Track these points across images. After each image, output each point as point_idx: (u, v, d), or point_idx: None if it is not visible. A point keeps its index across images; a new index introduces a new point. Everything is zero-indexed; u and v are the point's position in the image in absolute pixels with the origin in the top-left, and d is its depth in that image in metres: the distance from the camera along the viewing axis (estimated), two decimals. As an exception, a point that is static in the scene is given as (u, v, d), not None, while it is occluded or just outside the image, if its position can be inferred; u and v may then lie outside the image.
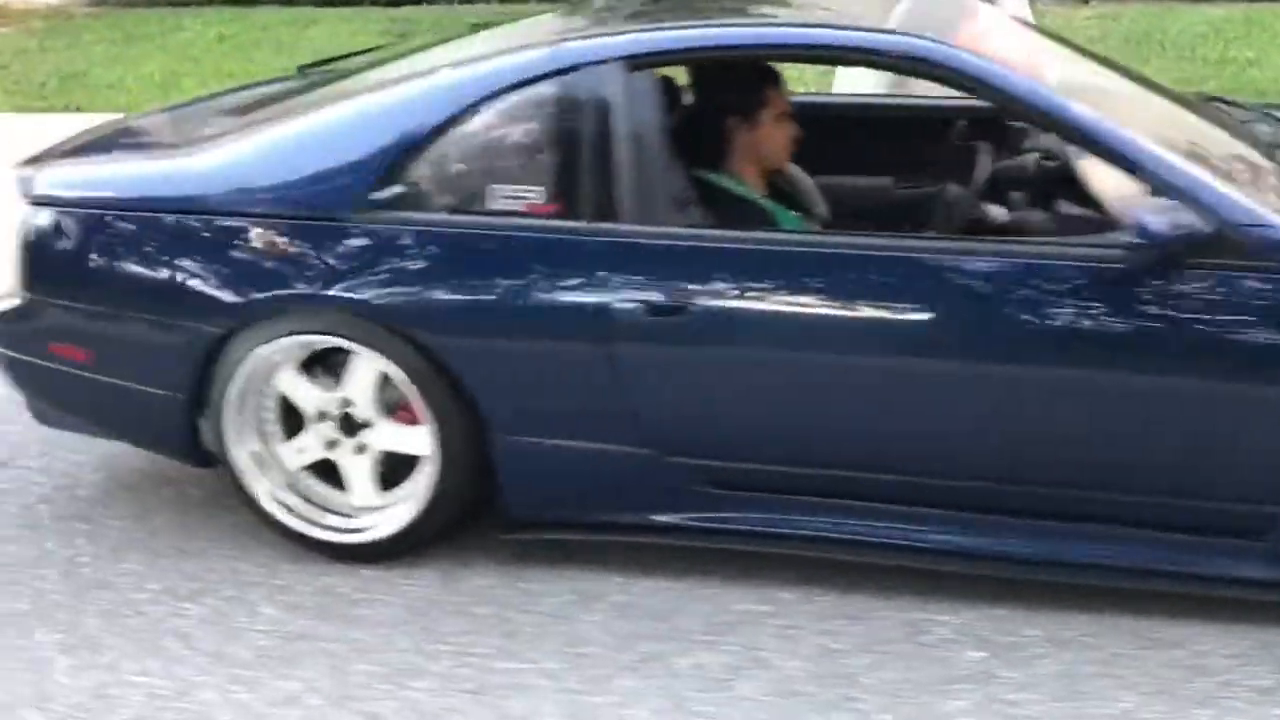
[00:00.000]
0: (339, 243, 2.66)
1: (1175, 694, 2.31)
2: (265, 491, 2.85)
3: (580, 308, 2.57)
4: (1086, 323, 2.35)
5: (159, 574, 2.86)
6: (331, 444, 2.83)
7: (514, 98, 2.64)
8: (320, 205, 2.68)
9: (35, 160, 3.00)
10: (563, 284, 2.57)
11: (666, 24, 2.70)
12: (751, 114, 2.82)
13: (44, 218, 2.87)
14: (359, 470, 2.83)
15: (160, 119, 3.38)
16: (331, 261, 2.66)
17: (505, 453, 2.69)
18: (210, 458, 2.92)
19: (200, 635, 2.63)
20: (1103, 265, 2.35)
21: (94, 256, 2.84)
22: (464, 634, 2.60)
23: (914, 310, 2.46)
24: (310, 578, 2.82)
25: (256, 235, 2.69)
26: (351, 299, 2.65)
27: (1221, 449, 2.39)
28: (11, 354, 3.00)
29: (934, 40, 2.50)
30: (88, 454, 3.40)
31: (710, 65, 2.83)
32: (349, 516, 2.86)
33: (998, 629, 2.51)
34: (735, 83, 2.82)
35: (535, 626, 2.61)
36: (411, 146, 2.64)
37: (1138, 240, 2.28)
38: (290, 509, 2.85)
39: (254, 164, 2.77)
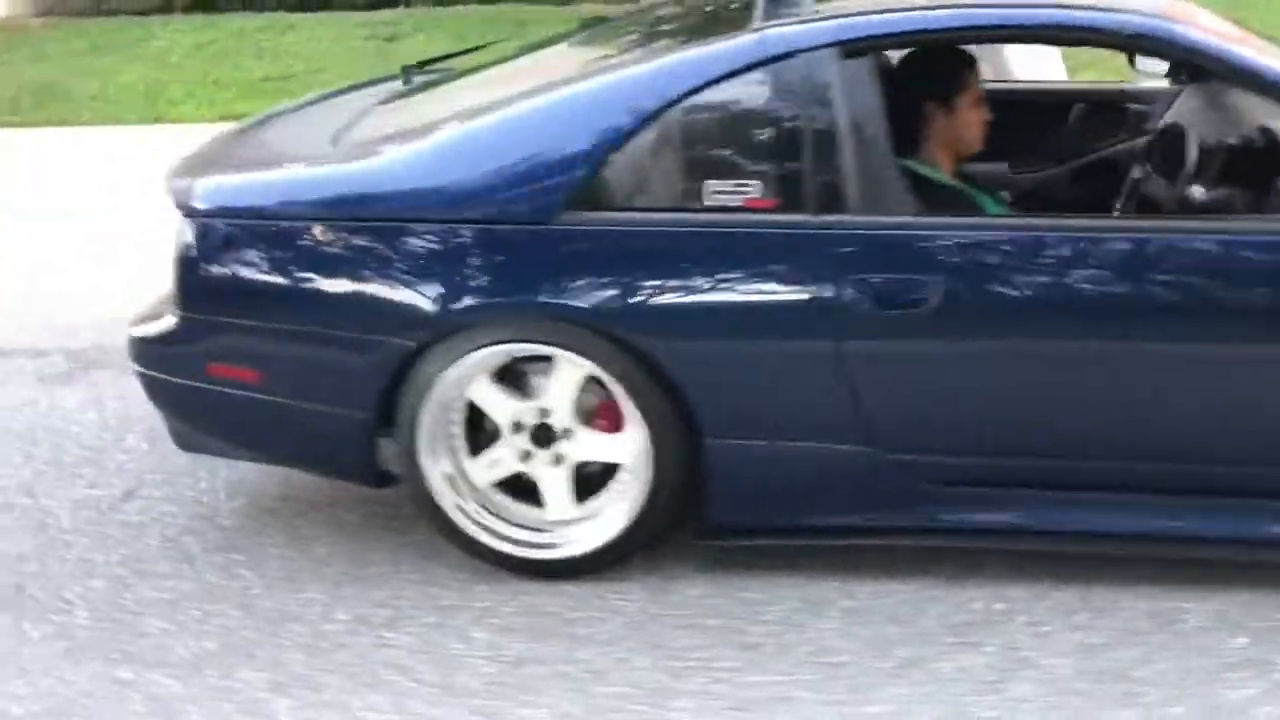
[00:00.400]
0: (545, 246, 2.53)
1: None
2: (458, 509, 2.70)
3: (806, 303, 2.47)
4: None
5: (345, 603, 2.69)
6: (525, 456, 2.69)
7: (723, 89, 2.53)
8: (524, 208, 2.54)
9: (186, 169, 2.81)
10: (787, 280, 2.48)
11: (883, 9, 2.60)
12: (950, 99, 2.75)
13: (206, 230, 2.69)
14: (556, 483, 2.70)
15: (295, 122, 3.20)
16: (538, 266, 2.54)
17: (717, 457, 2.58)
18: (386, 478, 2.77)
19: (417, 665, 2.48)
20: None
21: (265, 270, 2.67)
22: (700, 649, 2.48)
23: (1157, 292, 2.41)
24: (509, 597, 2.68)
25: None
26: (561, 304, 2.52)
27: None
28: (163, 377, 2.81)
29: (1164, 19, 2.46)
30: (214, 479, 3.22)
31: (912, 50, 2.76)
32: (544, 531, 2.73)
33: (1250, 614, 2.47)
34: (935, 68, 2.75)
35: (772, 637, 2.51)
36: (618, 144, 2.52)
37: None
38: (489, 529, 2.70)
39: (444, 167, 2.61)
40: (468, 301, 2.55)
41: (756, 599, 2.63)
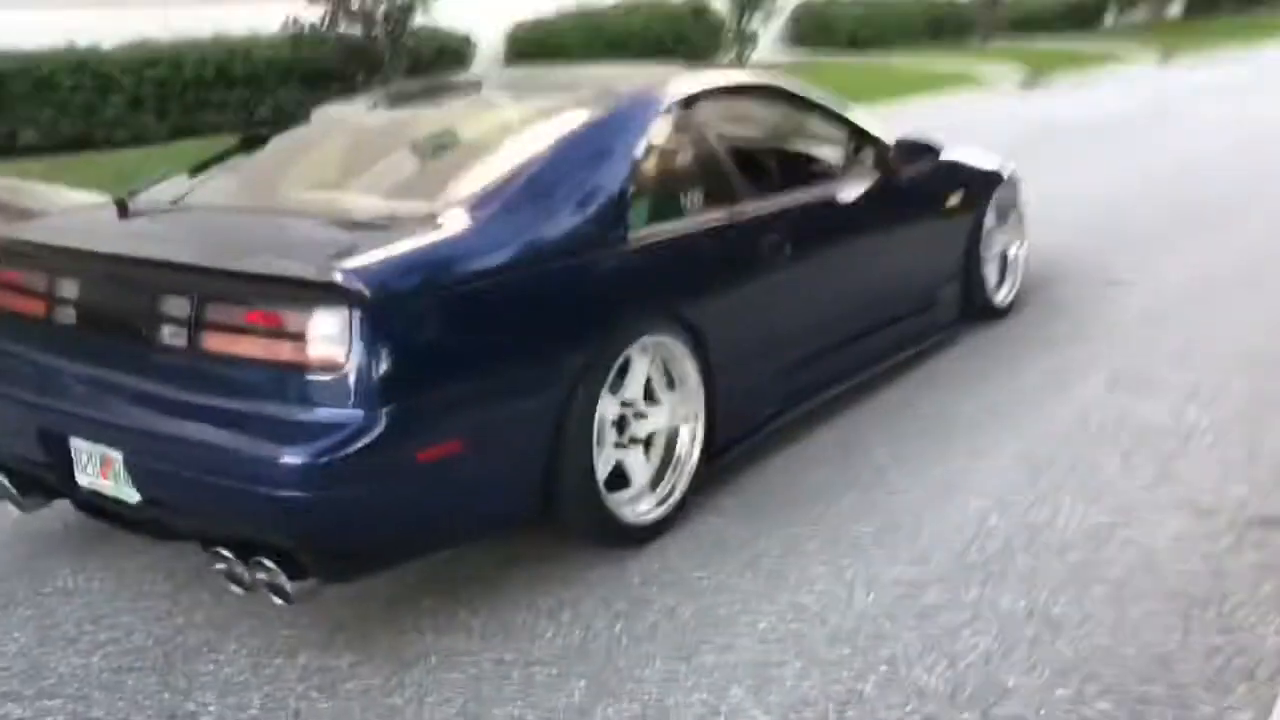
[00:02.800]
0: (632, 261, 3.20)
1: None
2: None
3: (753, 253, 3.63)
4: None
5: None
6: (618, 446, 3.24)
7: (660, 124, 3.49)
8: (605, 236, 3.15)
9: (333, 261, 2.63)
10: (728, 245, 3.58)
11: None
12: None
13: (394, 313, 2.64)
14: (640, 458, 3.30)
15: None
16: (633, 277, 3.19)
17: (722, 392, 3.46)
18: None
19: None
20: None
21: (451, 337, 2.76)
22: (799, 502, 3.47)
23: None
24: (665, 556, 3.23)
25: None
26: (656, 301, 3.25)
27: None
28: (355, 493, 2.61)
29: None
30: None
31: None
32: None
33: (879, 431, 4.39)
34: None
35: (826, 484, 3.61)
36: (634, 173, 3.29)
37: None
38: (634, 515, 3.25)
39: (528, 222, 3.02)
40: (607, 321, 3.08)
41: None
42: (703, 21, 14.50)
